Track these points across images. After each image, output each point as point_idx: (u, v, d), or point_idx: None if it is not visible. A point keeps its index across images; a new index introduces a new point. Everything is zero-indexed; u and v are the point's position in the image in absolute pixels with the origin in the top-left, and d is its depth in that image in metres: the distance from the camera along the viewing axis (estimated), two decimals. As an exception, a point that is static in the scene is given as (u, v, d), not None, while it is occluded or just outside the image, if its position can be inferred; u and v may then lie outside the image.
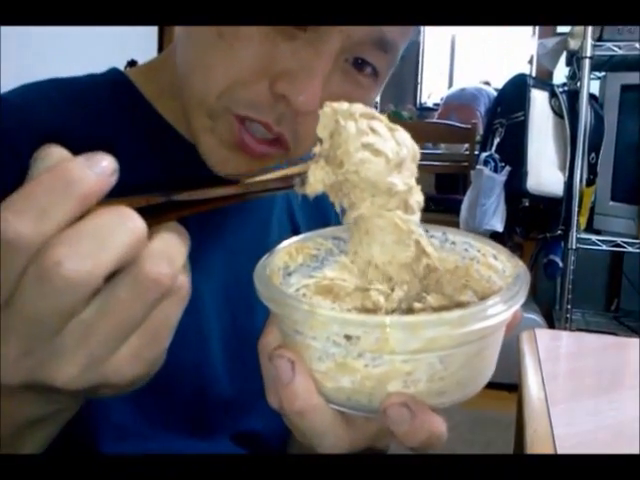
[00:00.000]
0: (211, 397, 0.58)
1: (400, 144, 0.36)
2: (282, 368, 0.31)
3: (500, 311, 0.30)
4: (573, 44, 2.27)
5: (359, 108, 0.36)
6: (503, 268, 0.37)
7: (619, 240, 2.20)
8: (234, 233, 0.60)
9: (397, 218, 0.37)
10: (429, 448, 0.32)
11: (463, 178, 3.16)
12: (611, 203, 2.30)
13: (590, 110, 2.18)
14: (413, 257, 0.38)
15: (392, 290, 0.37)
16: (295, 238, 0.40)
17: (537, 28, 3.37)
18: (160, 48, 2.63)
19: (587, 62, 2.12)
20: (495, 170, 2.29)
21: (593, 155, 2.23)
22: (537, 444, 0.64)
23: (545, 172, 2.23)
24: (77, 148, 0.29)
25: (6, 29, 1.69)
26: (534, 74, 3.02)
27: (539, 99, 2.27)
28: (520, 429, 0.76)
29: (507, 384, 1.46)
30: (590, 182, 2.25)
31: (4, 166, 0.48)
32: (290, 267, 0.39)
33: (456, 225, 2.35)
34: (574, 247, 2.19)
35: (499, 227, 2.31)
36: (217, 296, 0.58)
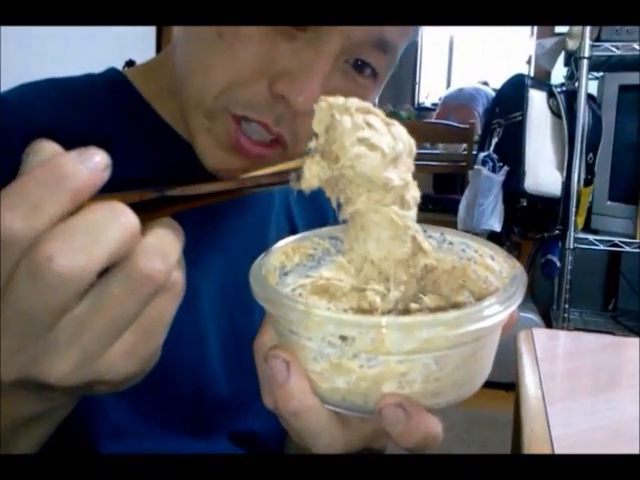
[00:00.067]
0: (208, 397, 0.58)
1: (396, 139, 0.36)
2: (277, 368, 0.31)
3: (496, 312, 0.30)
4: (571, 44, 2.27)
5: (355, 102, 0.36)
6: (500, 269, 0.37)
7: (617, 240, 2.20)
8: (232, 233, 0.60)
9: (393, 213, 0.36)
10: (425, 449, 0.32)
11: (461, 178, 3.16)
12: (609, 203, 2.30)
13: (588, 110, 2.19)
14: (409, 253, 0.37)
15: (389, 290, 0.37)
16: (292, 238, 0.40)
17: (535, 28, 3.38)
18: (158, 48, 2.62)
19: (585, 62, 2.13)
20: (493, 170, 2.29)
21: (591, 155, 2.23)
22: (534, 444, 0.64)
23: (543, 172, 2.23)
24: (74, 147, 0.29)
25: (6, 29, 1.69)
26: (532, 74, 3.02)
27: (537, 99, 2.27)
28: (517, 429, 0.76)
29: (504, 383, 1.47)
30: (588, 182, 2.25)
31: (1, 166, 0.48)
32: (286, 267, 0.39)
33: (454, 225, 2.35)
34: (572, 247, 2.20)
35: (497, 227, 2.32)
36: (215, 296, 0.58)
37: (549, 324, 2.44)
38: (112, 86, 0.58)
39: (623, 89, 2.25)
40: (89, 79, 0.59)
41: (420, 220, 0.38)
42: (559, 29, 2.86)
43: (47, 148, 0.29)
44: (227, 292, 0.59)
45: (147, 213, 0.30)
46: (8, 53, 1.74)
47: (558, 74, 2.79)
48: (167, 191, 0.31)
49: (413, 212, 0.37)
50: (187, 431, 0.57)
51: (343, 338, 0.29)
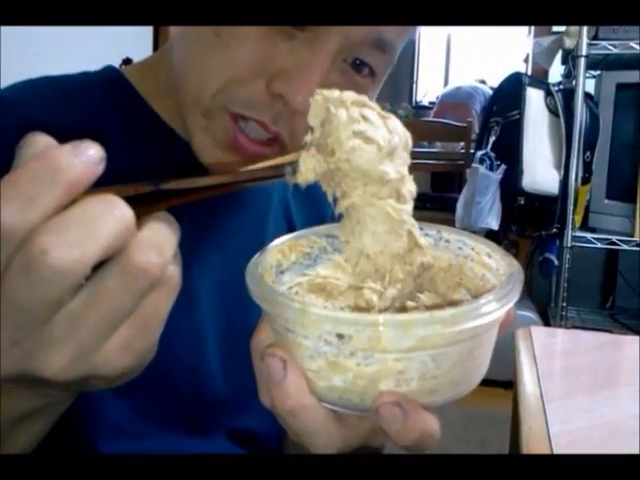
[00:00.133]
0: (207, 395, 0.58)
1: (392, 132, 0.36)
2: (274, 367, 0.31)
3: (493, 310, 0.30)
4: (569, 43, 2.27)
5: (350, 96, 0.36)
6: (497, 266, 0.37)
7: (614, 238, 2.20)
8: (230, 232, 0.60)
9: (389, 207, 0.36)
10: (422, 447, 0.32)
11: (459, 176, 3.17)
12: (606, 201, 2.30)
13: (585, 109, 2.19)
14: (405, 248, 0.37)
15: (385, 288, 0.37)
16: (288, 236, 0.40)
17: (533, 27, 3.38)
18: (155, 46, 2.62)
19: (582, 61, 2.13)
20: (491, 168, 2.29)
21: (588, 153, 2.23)
22: (532, 441, 0.64)
23: (540, 170, 2.23)
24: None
25: (6, 29, 1.68)
26: (530, 73, 3.02)
27: (535, 98, 2.27)
28: (515, 426, 0.77)
29: (502, 381, 1.47)
30: (585, 180, 2.25)
31: None
32: (283, 265, 0.38)
33: (451, 223, 2.35)
34: (569, 245, 2.20)
35: (494, 225, 2.32)
36: (213, 295, 0.58)
37: (547, 322, 2.45)
38: (109, 84, 0.58)
39: (620, 87, 2.25)
40: (85, 77, 0.59)
41: (418, 218, 0.38)
42: (556, 28, 2.86)
43: (41, 141, 0.29)
44: (225, 291, 0.59)
45: (142, 207, 0.29)
46: (8, 53, 1.73)
47: (556, 72, 2.79)
48: (162, 184, 0.31)
49: (409, 206, 0.37)
50: (185, 429, 0.57)
51: (340, 336, 0.29)
